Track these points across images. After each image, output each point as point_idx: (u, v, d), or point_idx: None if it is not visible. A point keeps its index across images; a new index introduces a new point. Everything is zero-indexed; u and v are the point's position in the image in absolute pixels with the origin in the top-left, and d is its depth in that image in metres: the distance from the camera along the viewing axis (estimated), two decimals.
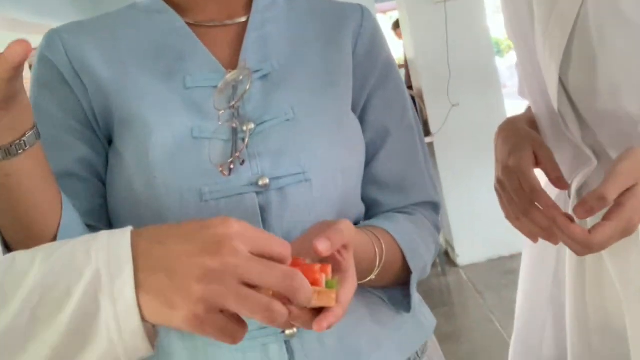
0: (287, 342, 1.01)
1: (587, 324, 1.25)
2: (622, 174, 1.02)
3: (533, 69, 1.26)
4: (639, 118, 1.13)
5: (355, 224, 1.10)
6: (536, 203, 1.13)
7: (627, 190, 1.02)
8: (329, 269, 0.80)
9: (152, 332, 0.75)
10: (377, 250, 1.01)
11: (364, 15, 1.18)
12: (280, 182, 1.00)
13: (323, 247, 0.80)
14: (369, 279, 1.02)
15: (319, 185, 1.01)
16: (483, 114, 4.89)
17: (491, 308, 4.37)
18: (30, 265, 0.70)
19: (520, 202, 1.16)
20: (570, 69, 1.17)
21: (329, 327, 0.76)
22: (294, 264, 0.76)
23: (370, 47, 1.16)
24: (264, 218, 0.99)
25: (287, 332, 1.00)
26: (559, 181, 1.18)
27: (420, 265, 1.10)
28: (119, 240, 0.71)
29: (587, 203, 1.01)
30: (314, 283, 0.75)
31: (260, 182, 0.99)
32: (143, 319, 0.70)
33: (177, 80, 1.04)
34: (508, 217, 1.21)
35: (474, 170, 4.77)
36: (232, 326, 0.71)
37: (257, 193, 0.99)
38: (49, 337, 0.69)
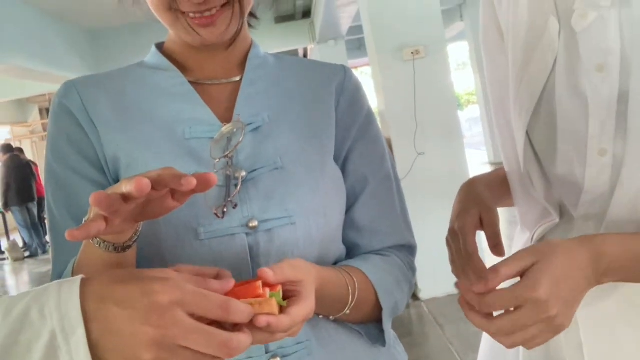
0: None
1: None
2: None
3: (507, 128, 1.25)
4: (585, 187, 1.12)
5: (335, 263, 1.11)
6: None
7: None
8: (278, 287, 0.82)
9: None
10: (349, 287, 1.02)
11: (347, 74, 1.20)
12: (268, 224, 1.01)
13: (266, 275, 0.82)
14: (344, 312, 1.03)
15: (302, 228, 1.02)
16: (445, 161, 4.94)
17: (450, 339, 4.36)
18: None
19: (460, 262, 1.16)
20: (536, 131, 1.17)
21: (269, 328, 0.77)
22: (238, 285, 0.79)
23: (351, 102, 1.18)
24: (252, 256, 1.00)
25: None
26: (495, 248, 1.18)
27: (392, 302, 1.11)
28: (68, 299, 0.71)
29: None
30: (257, 296, 0.78)
31: (250, 224, 1.00)
32: None
33: (178, 131, 1.06)
34: (453, 271, 1.20)
35: (436, 212, 4.77)
36: None
37: (247, 234, 1.00)
38: None
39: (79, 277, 0.74)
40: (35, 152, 15.82)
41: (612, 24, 1.04)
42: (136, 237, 0.89)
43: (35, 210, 11.61)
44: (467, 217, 1.19)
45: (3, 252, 11.73)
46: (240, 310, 0.73)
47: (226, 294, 0.77)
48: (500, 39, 1.27)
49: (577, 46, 1.09)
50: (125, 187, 0.74)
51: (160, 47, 1.18)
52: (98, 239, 0.86)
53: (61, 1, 8.96)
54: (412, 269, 1.20)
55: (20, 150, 12.54)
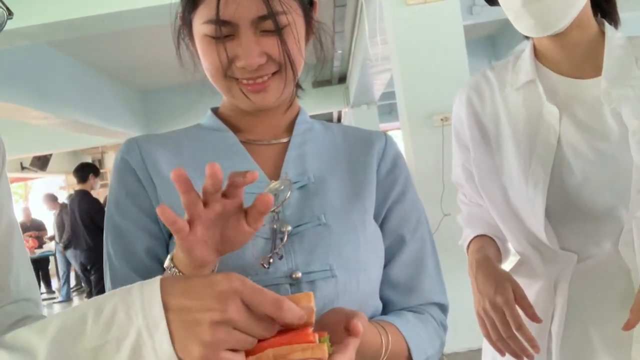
0: None
1: None
2: None
3: (508, 209, 1.44)
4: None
5: (372, 317, 1.10)
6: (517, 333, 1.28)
7: None
8: (325, 334, 0.83)
9: None
10: (383, 340, 1.02)
11: (387, 141, 1.22)
12: (311, 276, 1.01)
13: (360, 328, 0.86)
14: None
15: (343, 281, 1.03)
16: None
17: None
18: (83, 325, 0.76)
19: (505, 330, 1.29)
20: (556, 196, 1.34)
21: None
22: (292, 330, 0.80)
23: (391, 167, 1.19)
24: None
25: None
26: (534, 316, 1.30)
27: (423, 357, 1.10)
28: (151, 299, 0.76)
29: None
30: (308, 342, 0.79)
31: (294, 275, 1.01)
32: None
33: None
34: (488, 338, 1.35)
35: (459, 271, 4.74)
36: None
37: (291, 284, 1.01)
38: None
39: (158, 278, 0.79)
40: None
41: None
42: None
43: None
44: (507, 293, 1.30)
45: (53, 292, 11.76)
46: (292, 309, 0.76)
47: (279, 339, 0.79)
48: (480, 135, 1.49)
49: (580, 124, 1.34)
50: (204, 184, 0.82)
51: (215, 111, 1.21)
52: (177, 270, 0.89)
53: (117, 63, 9.20)
54: (444, 327, 1.21)
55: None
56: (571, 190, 1.33)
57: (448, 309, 1.23)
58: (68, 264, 10.72)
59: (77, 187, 7.93)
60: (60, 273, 11.09)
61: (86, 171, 7.84)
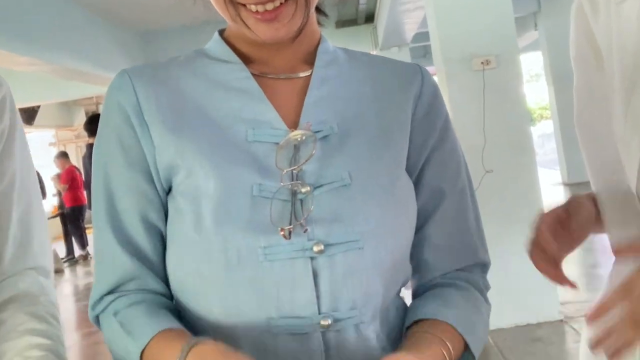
0: None
1: None
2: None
3: (598, 146, 1.28)
4: None
5: (401, 287, 1.09)
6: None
7: None
8: None
9: None
10: (446, 355, 0.99)
11: (424, 78, 1.16)
12: (334, 248, 0.98)
13: None
14: None
15: (370, 253, 1.00)
16: (516, 181, 4.86)
17: None
18: None
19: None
20: None
21: None
22: None
23: (429, 109, 1.14)
24: (315, 282, 0.97)
25: None
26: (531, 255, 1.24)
27: (480, 346, 1.08)
28: None
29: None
30: None
31: (315, 249, 0.97)
32: None
33: (239, 132, 1.03)
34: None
35: (505, 236, 4.72)
36: None
37: (311, 258, 0.98)
38: None
39: None
40: (79, 157, 16.10)
41: None
42: None
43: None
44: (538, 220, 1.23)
45: None
46: None
47: None
48: (593, 55, 1.28)
49: None
50: None
51: (221, 33, 1.15)
52: None
53: (112, 1, 9.14)
54: (487, 288, 1.19)
55: (65, 154, 12.75)
56: None
57: (489, 266, 1.20)
58: None
59: (89, 140, 8.37)
60: None
61: (96, 123, 8.19)
